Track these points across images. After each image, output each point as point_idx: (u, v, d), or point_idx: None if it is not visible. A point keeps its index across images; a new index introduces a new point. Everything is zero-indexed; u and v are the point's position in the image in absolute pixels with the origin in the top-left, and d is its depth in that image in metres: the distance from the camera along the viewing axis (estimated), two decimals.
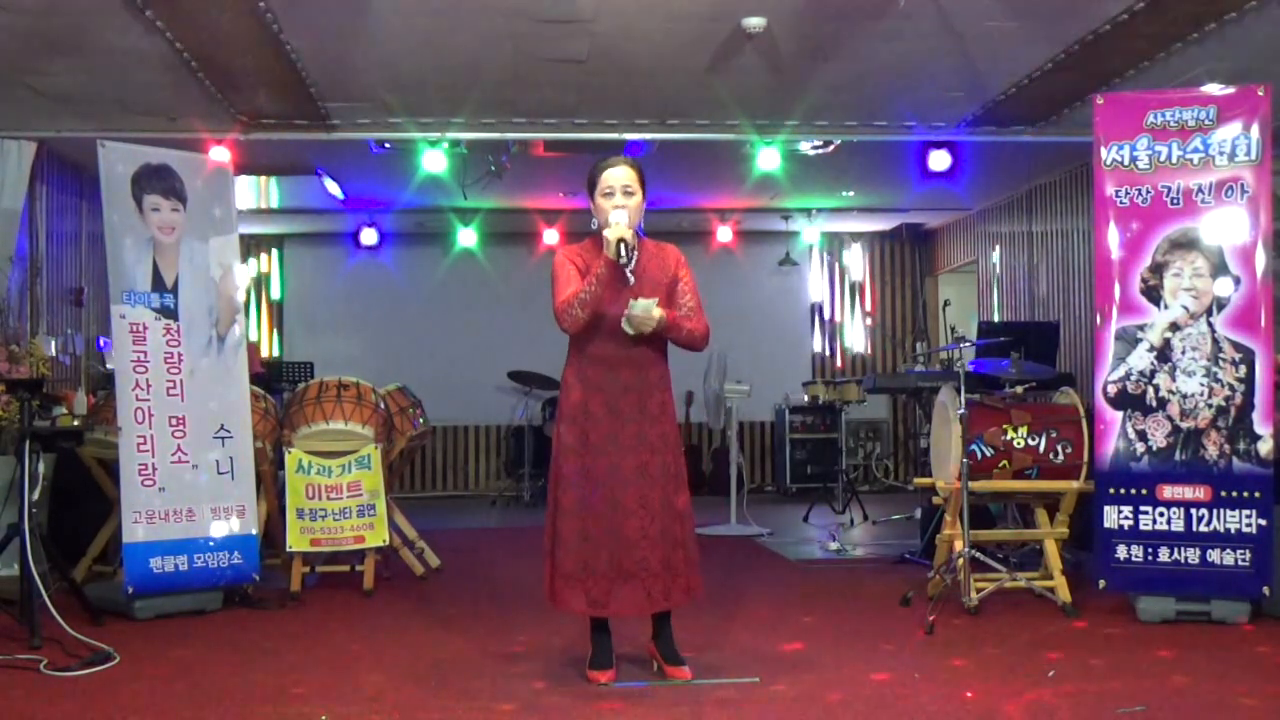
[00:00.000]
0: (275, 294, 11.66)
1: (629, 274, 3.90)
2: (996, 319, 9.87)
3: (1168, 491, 4.91)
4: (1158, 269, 4.99)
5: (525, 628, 4.91)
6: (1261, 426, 4.83)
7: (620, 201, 3.90)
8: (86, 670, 4.14)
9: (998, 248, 10.26)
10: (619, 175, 3.94)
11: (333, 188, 8.96)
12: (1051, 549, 5.30)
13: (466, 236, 10.90)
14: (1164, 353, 4.96)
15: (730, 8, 5.18)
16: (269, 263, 11.65)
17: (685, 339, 3.97)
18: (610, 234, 3.84)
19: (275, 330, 11.65)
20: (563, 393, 4.02)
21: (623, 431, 3.89)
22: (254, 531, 5.53)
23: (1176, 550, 4.90)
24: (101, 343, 7.68)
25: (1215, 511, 4.86)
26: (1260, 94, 4.91)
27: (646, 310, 3.81)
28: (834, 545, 7.36)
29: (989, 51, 5.82)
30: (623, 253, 3.82)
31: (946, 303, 8.06)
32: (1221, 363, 4.90)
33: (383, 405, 6.15)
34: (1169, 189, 4.99)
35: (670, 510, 3.90)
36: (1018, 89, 6.40)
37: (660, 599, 3.91)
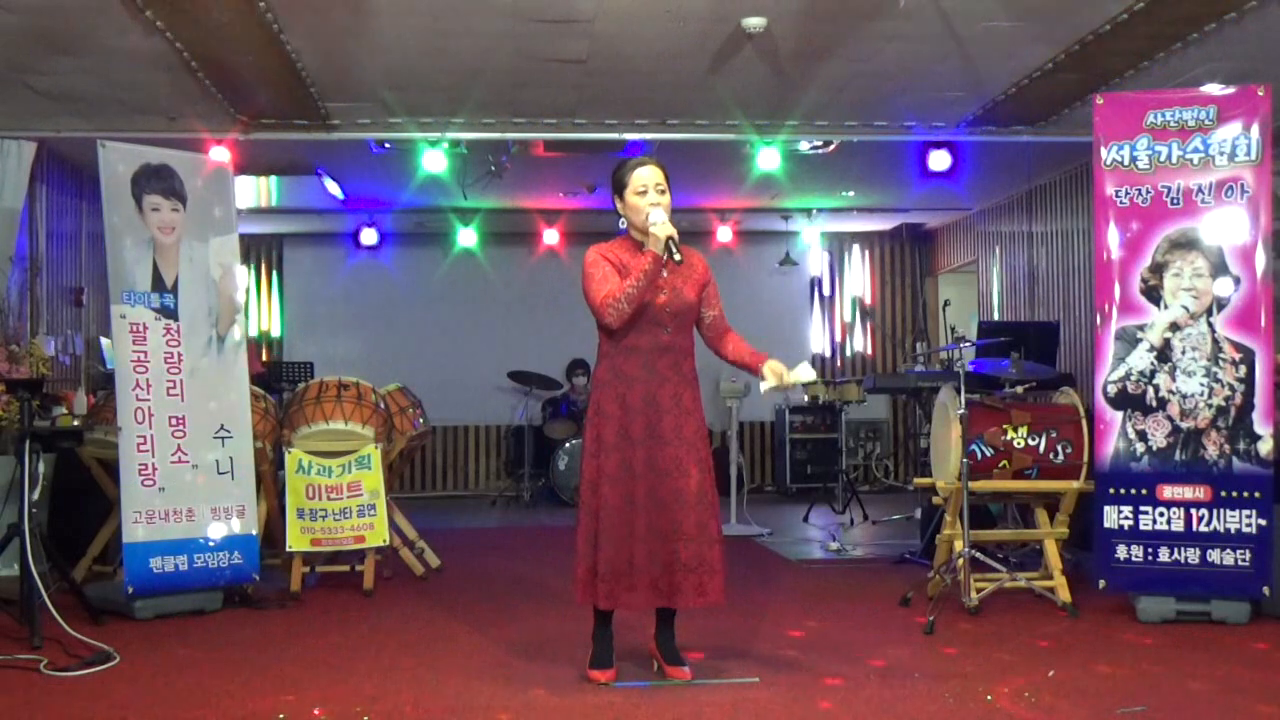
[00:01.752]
0: (275, 294, 11.66)
1: (663, 270, 3.92)
2: (996, 319, 9.87)
3: (1168, 491, 4.91)
4: (1158, 269, 4.99)
5: (524, 627, 4.91)
6: (1261, 426, 4.83)
7: (655, 199, 3.93)
8: (86, 670, 4.14)
9: (998, 248, 10.26)
10: (650, 174, 3.96)
11: (333, 188, 8.96)
12: (1051, 549, 5.30)
13: (466, 236, 10.90)
14: (1164, 353, 4.96)
15: (730, 8, 5.18)
16: (269, 262, 11.65)
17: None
18: (660, 231, 3.85)
19: (275, 330, 11.64)
20: (596, 389, 4.00)
21: (660, 423, 3.88)
22: (254, 531, 5.53)
23: (1176, 550, 4.90)
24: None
25: (1215, 511, 4.86)
26: (1260, 94, 4.91)
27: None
28: (834, 545, 7.36)
29: (989, 51, 5.82)
30: (672, 249, 3.85)
31: (946, 303, 8.05)
32: (1221, 363, 4.90)
33: (383, 405, 6.15)
34: (1169, 189, 4.99)
35: (704, 505, 3.87)
36: (1018, 89, 6.41)
37: (694, 594, 3.82)
